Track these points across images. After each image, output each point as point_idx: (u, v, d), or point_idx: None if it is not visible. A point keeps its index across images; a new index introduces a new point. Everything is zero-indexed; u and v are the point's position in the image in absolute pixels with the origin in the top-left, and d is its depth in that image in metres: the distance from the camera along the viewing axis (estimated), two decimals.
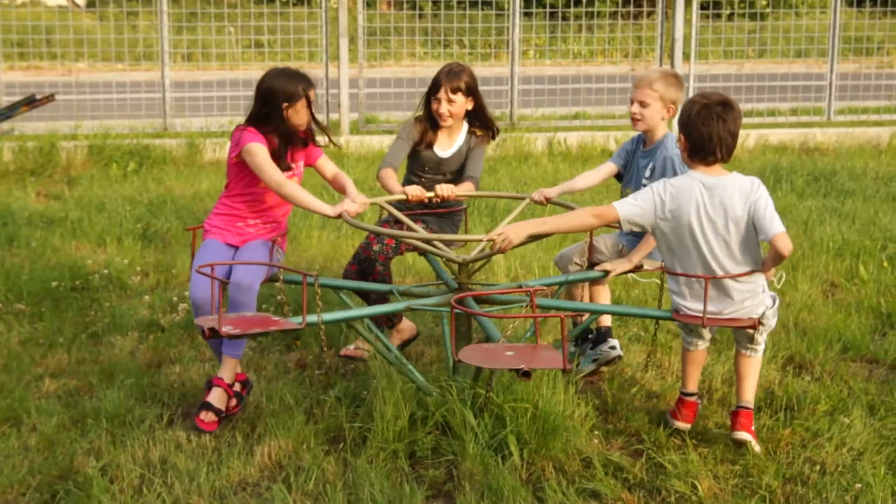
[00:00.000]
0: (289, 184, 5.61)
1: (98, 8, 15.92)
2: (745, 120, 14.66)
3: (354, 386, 5.74)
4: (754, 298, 5.07)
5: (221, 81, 14.43)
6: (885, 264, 7.96)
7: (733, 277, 5.01)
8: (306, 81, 5.80)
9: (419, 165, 6.46)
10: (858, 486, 4.69)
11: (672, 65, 14.48)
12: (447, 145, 6.42)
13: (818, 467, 4.91)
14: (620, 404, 5.62)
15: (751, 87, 15.61)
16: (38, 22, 14.10)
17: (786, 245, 4.83)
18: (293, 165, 5.87)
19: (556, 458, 4.96)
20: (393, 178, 6.30)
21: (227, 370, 5.53)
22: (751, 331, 5.14)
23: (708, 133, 4.91)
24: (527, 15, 15.33)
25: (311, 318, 4.97)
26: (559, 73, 15.97)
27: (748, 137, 13.90)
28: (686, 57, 14.80)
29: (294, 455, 5.03)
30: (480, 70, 15.47)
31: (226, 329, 4.68)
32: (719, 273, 5.01)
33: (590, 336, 6.11)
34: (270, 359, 6.32)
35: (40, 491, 4.74)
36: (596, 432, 5.28)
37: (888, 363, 6.24)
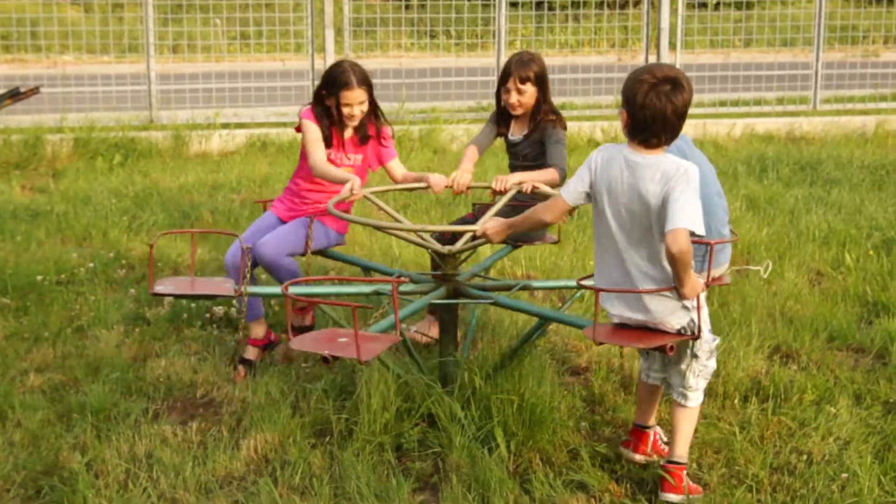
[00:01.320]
0: (327, 167, 5.86)
1: (83, 0, 15.86)
2: (731, 109, 14.73)
3: (341, 378, 5.73)
4: (673, 314, 4.48)
5: (207, 73, 14.38)
6: (871, 253, 7.97)
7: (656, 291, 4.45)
8: (365, 80, 6.19)
9: (506, 150, 6.53)
10: (845, 475, 4.70)
11: (658, 55, 14.48)
12: (517, 132, 6.39)
13: (805, 457, 4.91)
14: (607, 395, 5.62)
15: (737, 76, 15.60)
16: (23, 14, 14.04)
17: (675, 241, 4.16)
18: (347, 157, 6.14)
19: (543, 450, 4.96)
20: (468, 154, 6.43)
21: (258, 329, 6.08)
22: (682, 369, 4.65)
23: (652, 115, 4.37)
24: (513, 5, 15.31)
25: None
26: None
27: (734, 126, 13.90)
28: (672, 47, 14.80)
29: (280, 448, 5.02)
30: (467, 61, 15.51)
31: (158, 289, 5.22)
32: (634, 273, 4.46)
33: None
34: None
35: (25, 486, 4.73)
36: (583, 423, 5.28)
37: (874, 352, 6.25)
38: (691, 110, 5.10)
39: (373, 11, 16.25)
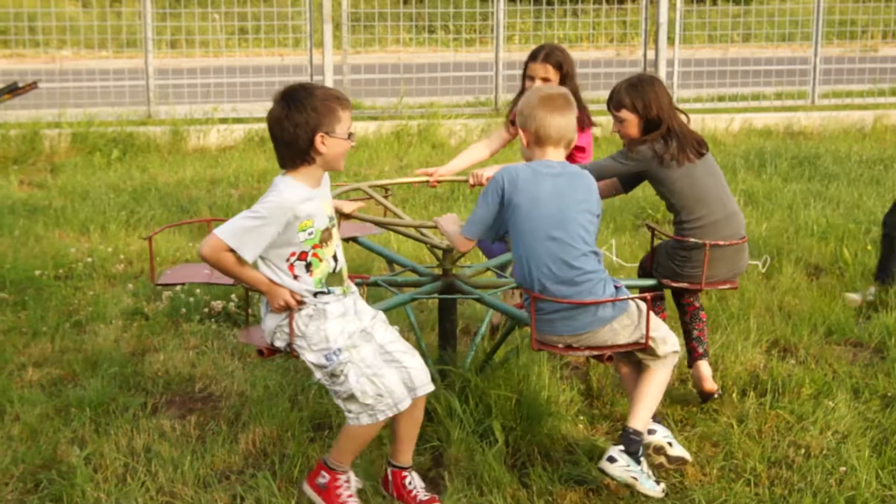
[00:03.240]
0: None
1: None
2: (729, 104, 14.72)
3: None
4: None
5: (205, 68, 14.36)
6: (869, 248, 7.97)
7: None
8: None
9: None
10: (843, 468, 4.70)
11: (657, 49, 14.47)
12: None
13: (803, 450, 4.91)
14: (605, 389, 5.62)
15: (735, 71, 15.59)
16: (21, 9, 14.03)
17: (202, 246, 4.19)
18: None
19: (541, 444, 4.96)
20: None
21: None
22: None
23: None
24: (512, 0, 15.29)
25: None
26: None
27: (733, 121, 13.89)
28: (671, 41, 14.79)
29: (278, 442, 5.02)
30: (465, 56, 15.50)
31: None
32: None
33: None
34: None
35: (24, 480, 4.73)
36: (581, 417, 5.28)
37: (872, 346, 6.26)
38: (689, 105, 5.18)
39: (371, 6, 16.23)
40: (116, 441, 5.03)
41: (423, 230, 5.51)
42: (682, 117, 5.35)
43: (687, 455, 4.74)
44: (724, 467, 4.78)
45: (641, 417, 4.59)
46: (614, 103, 5.34)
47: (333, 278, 4.36)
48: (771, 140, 13.41)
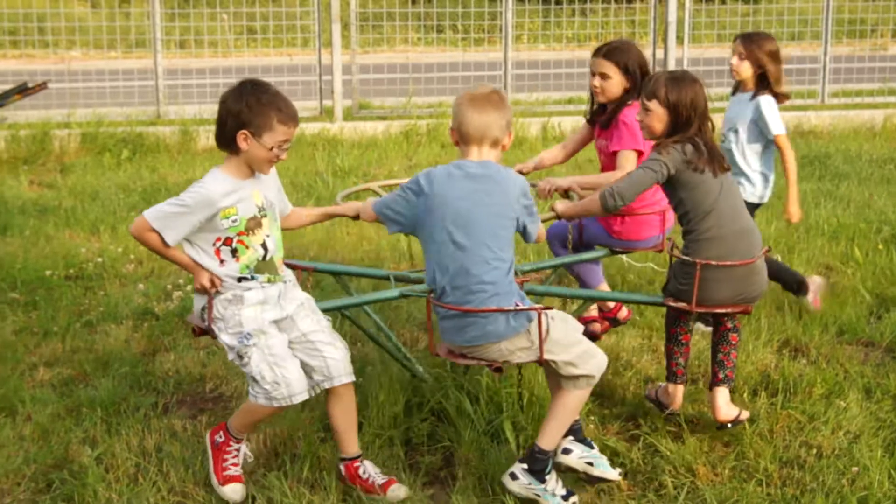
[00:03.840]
0: None
1: None
2: None
3: None
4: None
5: (214, 68, 14.38)
6: (881, 247, 7.95)
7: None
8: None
9: None
10: (855, 469, 4.69)
11: (665, 49, 14.46)
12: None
13: (815, 450, 4.90)
14: (616, 389, 5.62)
15: None
16: (31, 10, 14.05)
17: None
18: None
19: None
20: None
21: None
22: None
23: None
24: (520, 0, 15.29)
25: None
26: (553, 58, 15.92)
27: None
28: (679, 41, 14.77)
29: (289, 442, 5.02)
30: (474, 55, 15.50)
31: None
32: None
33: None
34: None
35: (35, 480, 4.74)
36: (592, 417, 5.27)
37: (884, 346, 6.24)
38: None
39: (380, 6, 16.22)
40: (128, 441, 5.04)
41: None
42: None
43: (612, 475, 4.58)
44: (736, 467, 4.77)
45: (548, 437, 4.45)
46: (648, 92, 5.05)
47: (263, 265, 4.58)
48: None
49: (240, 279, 4.53)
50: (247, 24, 15.68)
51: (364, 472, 4.63)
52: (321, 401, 5.33)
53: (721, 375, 5.12)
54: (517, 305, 4.34)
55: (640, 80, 5.79)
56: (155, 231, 4.43)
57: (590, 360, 4.43)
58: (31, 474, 4.77)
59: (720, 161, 4.98)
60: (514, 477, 4.45)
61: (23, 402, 5.46)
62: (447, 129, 13.08)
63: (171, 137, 12.81)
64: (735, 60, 6.69)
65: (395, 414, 5.04)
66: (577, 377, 4.42)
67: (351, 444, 4.67)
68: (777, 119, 6.55)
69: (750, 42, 6.59)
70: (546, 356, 4.38)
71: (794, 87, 15.42)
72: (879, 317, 6.69)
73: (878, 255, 7.78)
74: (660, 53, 14.64)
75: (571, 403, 4.47)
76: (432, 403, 5.11)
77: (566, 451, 4.56)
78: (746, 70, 6.66)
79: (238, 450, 4.70)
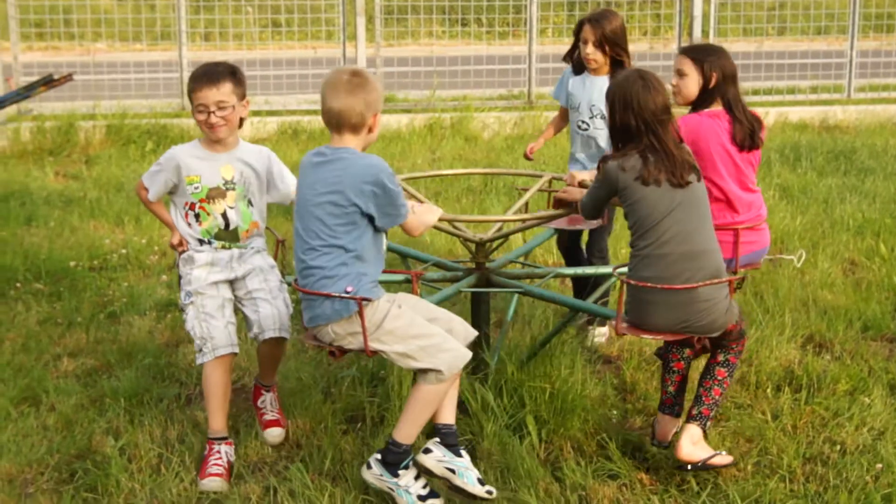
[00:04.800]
0: None
1: None
2: (764, 97, 14.61)
3: (372, 365, 5.73)
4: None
5: (239, 61, 14.30)
6: None
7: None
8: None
9: None
10: (879, 465, 4.66)
11: (691, 43, 14.39)
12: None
13: (838, 447, 4.88)
14: (639, 383, 5.60)
15: (770, 64, 15.49)
16: (57, 2, 14.08)
17: None
18: None
19: (574, 438, 4.95)
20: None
21: None
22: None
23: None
24: None
25: None
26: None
27: (768, 115, 13.80)
28: (705, 35, 14.71)
29: (311, 434, 5.03)
30: (498, 49, 15.46)
31: None
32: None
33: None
34: None
35: (59, 470, 4.76)
36: (614, 412, 5.26)
37: None
38: None
39: None
40: (151, 432, 5.06)
41: (458, 224, 5.48)
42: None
43: (474, 490, 4.37)
44: (759, 463, 4.76)
45: (401, 430, 4.40)
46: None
47: (224, 234, 5.01)
48: (806, 134, 13.33)
49: (200, 241, 4.99)
50: (271, 16, 15.68)
51: (262, 402, 5.15)
52: (344, 393, 5.36)
53: (694, 411, 4.72)
54: (347, 291, 4.30)
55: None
56: (145, 189, 5.08)
57: (436, 355, 4.33)
58: (54, 464, 4.79)
59: (682, 173, 4.53)
60: (368, 466, 4.42)
61: (47, 393, 5.49)
62: (471, 122, 13.12)
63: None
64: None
65: None
66: (425, 371, 4.35)
67: (266, 377, 5.17)
68: None
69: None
70: (375, 345, 4.37)
71: (820, 82, 15.37)
72: None
73: None
74: None
75: (423, 397, 4.37)
76: None
77: (426, 451, 4.43)
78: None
79: (219, 451, 4.78)
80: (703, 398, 4.71)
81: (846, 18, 15.33)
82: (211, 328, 4.86)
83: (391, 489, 4.37)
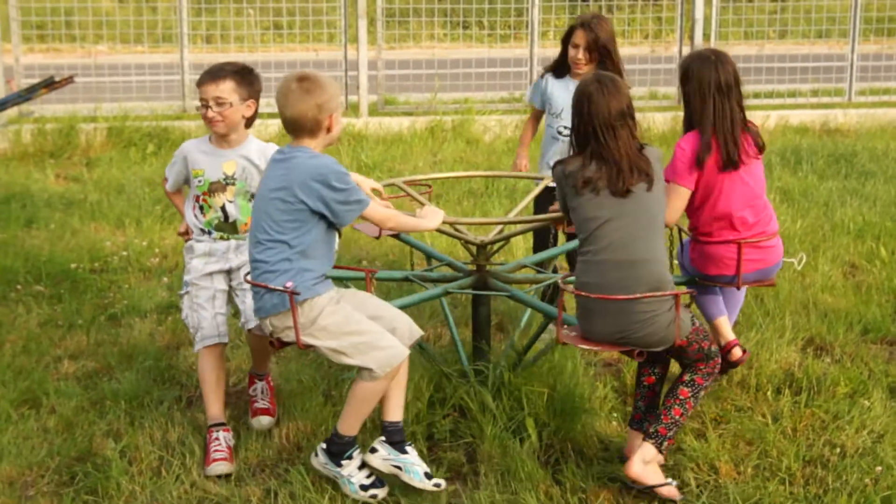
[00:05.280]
0: None
1: None
2: (765, 101, 14.60)
3: None
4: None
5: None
6: None
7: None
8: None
9: None
10: (879, 468, 4.67)
11: (692, 46, 14.38)
12: None
13: (838, 450, 4.88)
14: None
15: (771, 68, 15.49)
16: (58, 4, 14.09)
17: None
18: None
19: (574, 441, 4.95)
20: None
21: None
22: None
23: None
24: None
25: None
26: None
27: (769, 118, 13.80)
28: (706, 38, 14.70)
29: (312, 437, 5.04)
30: (500, 52, 15.46)
31: None
32: None
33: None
34: None
35: (59, 472, 4.76)
36: (615, 414, 5.27)
37: None
38: None
39: (406, 2, 16.21)
40: (151, 434, 5.06)
41: (459, 226, 5.47)
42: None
43: (421, 484, 4.48)
44: (759, 465, 4.76)
45: (343, 422, 4.52)
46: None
47: (224, 226, 5.22)
48: (807, 137, 13.32)
49: (202, 231, 5.23)
50: (273, 19, 15.69)
51: (254, 390, 5.37)
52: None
53: (651, 429, 4.61)
54: (286, 287, 4.37)
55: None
56: (166, 179, 5.45)
57: (368, 353, 4.41)
58: (54, 466, 4.80)
59: (625, 181, 4.44)
60: (316, 454, 4.58)
61: (47, 395, 5.50)
62: (472, 125, 13.12)
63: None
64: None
65: (418, 410, 5.04)
66: (360, 369, 4.43)
67: (259, 366, 5.39)
68: None
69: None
70: (308, 340, 4.45)
71: (821, 85, 15.37)
72: None
73: None
74: (686, 51, 14.57)
75: (359, 393, 4.46)
76: (455, 399, 5.10)
77: (372, 451, 4.55)
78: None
79: (218, 438, 4.91)
80: (662, 416, 4.61)
81: (847, 22, 15.32)
82: (200, 318, 5.11)
83: (335, 477, 4.51)
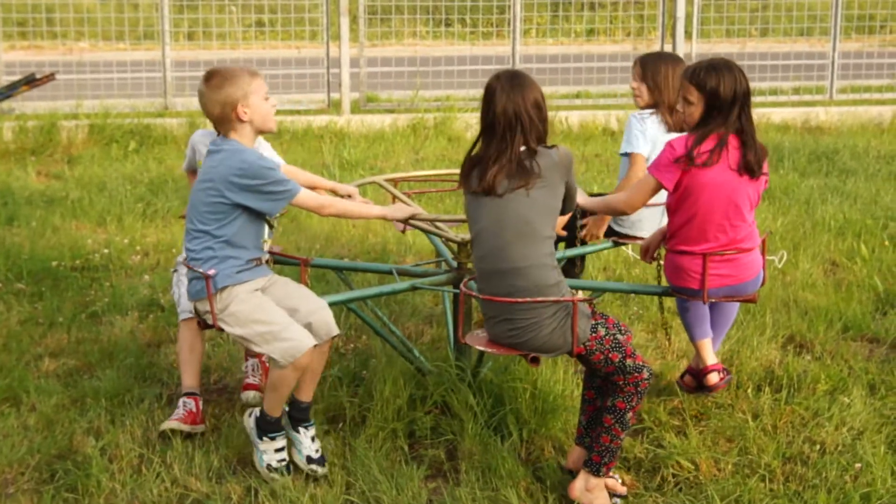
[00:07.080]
0: None
1: None
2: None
3: (354, 365, 5.74)
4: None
5: (222, 61, 14.37)
6: (887, 243, 7.95)
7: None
8: None
9: None
10: (858, 465, 4.68)
11: (674, 44, 14.43)
12: None
13: (818, 447, 4.90)
14: None
15: (753, 65, 15.54)
16: (39, 1, 14.05)
17: None
18: None
19: (555, 438, 4.96)
20: None
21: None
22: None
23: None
24: None
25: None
26: (561, 52, 15.89)
27: None
28: (688, 36, 14.74)
29: None
30: (482, 49, 15.48)
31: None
32: None
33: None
34: None
35: (39, 470, 4.75)
36: None
37: (889, 342, 6.23)
38: None
39: None
40: (132, 432, 5.05)
41: (439, 224, 5.48)
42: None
43: (301, 465, 4.69)
44: (739, 463, 4.77)
45: (265, 403, 4.72)
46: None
47: None
48: (788, 135, 13.37)
49: None
50: (255, 16, 15.69)
51: (246, 366, 5.61)
52: (326, 394, 5.36)
53: (586, 457, 4.50)
54: (208, 274, 4.55)
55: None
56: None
57: (272, 343, 4.56)
58: (35, 464, 4.78)
59: (492, 181, 4.36)
60: (250, 414, 4.79)
61: (27, 393, 5.48)
62: (454, 122, 13.12)
63: (179, 129, 12.80)
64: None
65: (399, 407, 5.04)
66: (269, 353, 4.60)
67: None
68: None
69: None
70: (221, 325, 4.65)
71: (802, 83, 15.42)
72: (885, 313, 6.68)
73: (885, 251, 7.78)
74: (668, 49, 14.60)
75: (272, 380, 4.66)
76: (436, 397, 5.11)
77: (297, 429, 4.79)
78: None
79: (183, 403, 5.17)
80: (594, 446, 4.46)
81: (828, 20, 15.39)
82: (181, 294, 5.33)
83: (254, 446, 4.70)
